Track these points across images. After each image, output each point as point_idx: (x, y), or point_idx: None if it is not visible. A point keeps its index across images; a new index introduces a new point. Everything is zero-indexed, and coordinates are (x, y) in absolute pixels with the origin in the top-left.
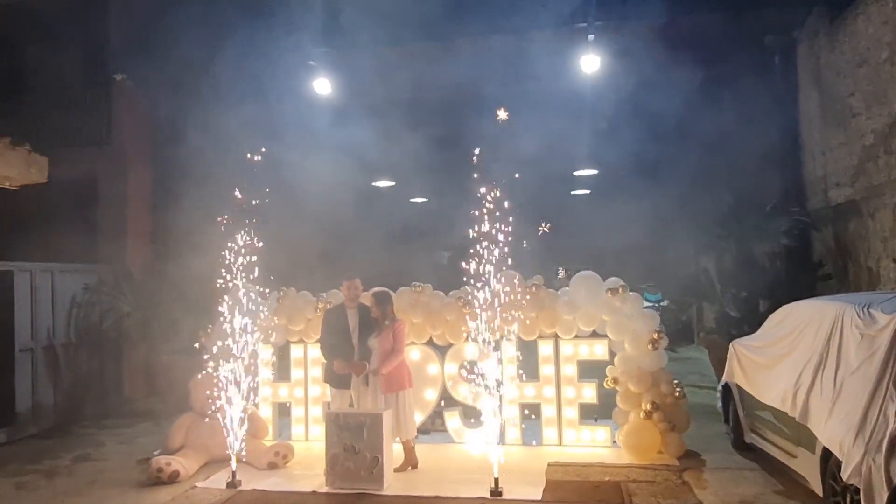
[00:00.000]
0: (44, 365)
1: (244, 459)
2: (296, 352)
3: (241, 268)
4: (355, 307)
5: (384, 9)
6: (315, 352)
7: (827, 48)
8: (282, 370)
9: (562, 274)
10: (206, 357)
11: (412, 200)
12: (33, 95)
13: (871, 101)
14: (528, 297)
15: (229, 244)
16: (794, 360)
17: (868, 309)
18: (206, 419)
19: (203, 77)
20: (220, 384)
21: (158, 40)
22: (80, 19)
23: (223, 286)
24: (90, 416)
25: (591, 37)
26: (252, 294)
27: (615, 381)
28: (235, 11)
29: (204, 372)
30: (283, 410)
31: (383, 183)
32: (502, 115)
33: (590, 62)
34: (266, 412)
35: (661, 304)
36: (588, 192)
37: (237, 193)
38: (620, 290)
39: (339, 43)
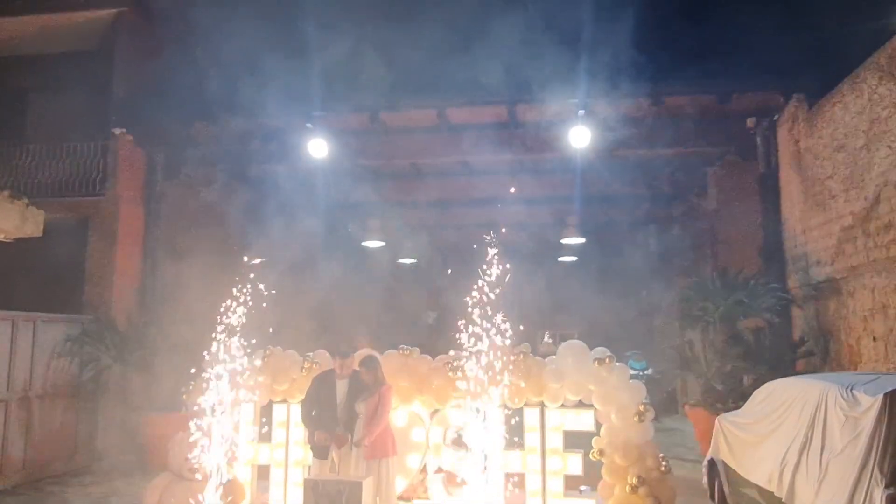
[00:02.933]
0: (17, 418)
1: None
2: (279, 412)
3: (228, 324)
4: (346, 378)
5: (379, 76)
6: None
7: (806, 132)
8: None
9: (547, 339)
10: (187, 414)
11: (400, 261)
12: (31, 144)
13: (849, 184)
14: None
15: (217, 299)
16: (780, 438)
17: (851, 390)
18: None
19: (199, 135)
20: (201, 445)
21: (158, 97)
22: (82, 72)
23: (209, 342)
24: (61, 473)
25: (581, 112)
26: (237, 351)
27: (601, 452)
28: (234, 70)
29: (185, 431)
30: (262, 472)
31: (373, 243)
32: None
33: (580, 135)
34: (245, 474)
35: (646, 372)
36: (575, 258)
37: (231, 252)
38: (607, 360)
39: (336, 108)
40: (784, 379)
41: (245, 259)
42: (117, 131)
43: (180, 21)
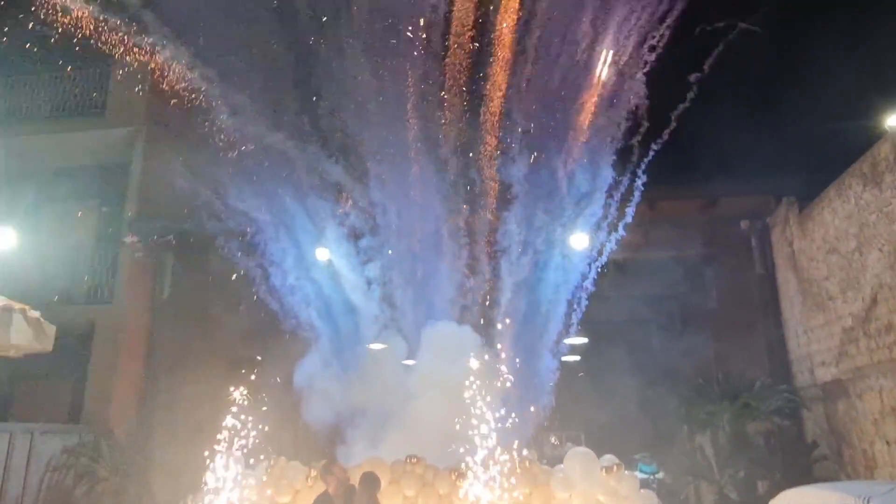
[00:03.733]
0: None
1: None
2: None
3: (230, 437)
4: (342, 492)
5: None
6: None
7: (799, 235)
8: None
9: (554, 441)
10: None
11: (404, 362)
12: (44, 253)
13: (846, 286)
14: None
15: (220, 414)
16: None
17: (868, 502)
18: None
19: (210, 245)
20: None
21: (170, 207)
22: (96, 184)
23: (209, 456)
24: None
25: (578, 218)
26: (237, 464)
27: None
28: (241, 185)
29: None
30: None
31: (377, 346)
32: None
33: (579, 240)
34: None
35: (657, 476)
36: (578, 358)
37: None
38: (616, 468)
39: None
40: (800, 488)
41: (253, 373)
42: (128, 240)
43: (193, 135)
